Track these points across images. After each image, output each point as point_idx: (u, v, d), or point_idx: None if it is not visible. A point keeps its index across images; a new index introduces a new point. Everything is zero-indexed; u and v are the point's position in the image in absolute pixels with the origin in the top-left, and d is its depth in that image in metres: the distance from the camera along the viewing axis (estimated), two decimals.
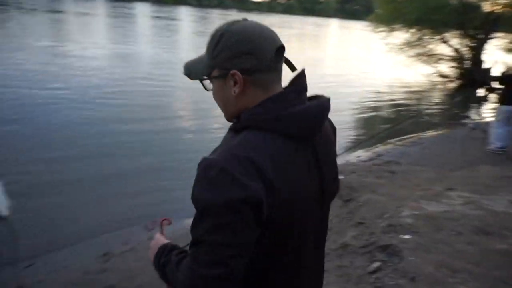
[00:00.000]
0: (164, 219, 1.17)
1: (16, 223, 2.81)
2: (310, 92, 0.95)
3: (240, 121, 0.91)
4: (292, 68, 0.97)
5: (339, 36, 49.22)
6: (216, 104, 0.99)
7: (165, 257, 0.99)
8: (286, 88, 0.94)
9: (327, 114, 0.95)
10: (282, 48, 0.92)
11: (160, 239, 1.09)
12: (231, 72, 0.89)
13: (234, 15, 11.31)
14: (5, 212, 2.54)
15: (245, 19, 0.95)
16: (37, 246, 3.51)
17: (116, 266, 3.31)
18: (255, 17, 1.18)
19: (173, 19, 36.77)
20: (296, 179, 0.88)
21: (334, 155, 1.06)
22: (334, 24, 74.24)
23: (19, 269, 3.10)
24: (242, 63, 0.89)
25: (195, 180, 0.84)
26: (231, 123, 0.95)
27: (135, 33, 23.89)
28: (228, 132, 0.94)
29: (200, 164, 0.84)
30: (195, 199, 0.83)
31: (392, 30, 16.47)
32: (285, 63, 0.97)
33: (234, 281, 0.82)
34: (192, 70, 0.99)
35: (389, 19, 16.22)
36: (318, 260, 1.06)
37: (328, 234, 1.08)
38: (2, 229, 2.77)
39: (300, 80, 0.94)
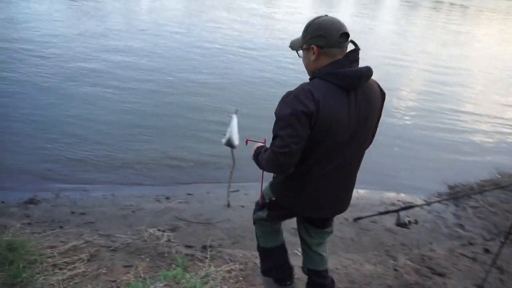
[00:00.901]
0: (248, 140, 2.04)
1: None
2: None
3: (313, 76, 1.64)
4: (356, 46, 1.62)
5: None
6: None
7: (258, 151, 1.82)
8: (342, 57, 1.60)
9: (364, 77, 1.60)
10: (345, 34, 1.58)
11: (257, 144, 1.90)
12: (311, 46, 1.61)
13: None
14: (236, 142, 3.39)
15: (326, 15, 1.64)
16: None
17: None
18: None
19: None
20: (334, 110, 1.55)
21: (375, 112, 1.72)
22: None
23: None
24: (317, 41, 1.59)
25: (279, 102, 1.61)
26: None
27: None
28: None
29: (284, 94, 1.61)
30: (276, 112, 1.60)
31: None
32: (351, 42, 1.63)
33: (292, 157, 1.58)
34: (293, 45, 1.75)
35: None
36: (341, 174, 1.76)
37: None
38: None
39: (353, 53, 1.61)
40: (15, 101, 6.02)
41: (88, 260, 2.71)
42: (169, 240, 3.21)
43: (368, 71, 1.59)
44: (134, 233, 3.25)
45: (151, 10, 15.40)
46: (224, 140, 3.41)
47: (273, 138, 1.62)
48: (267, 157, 1.66)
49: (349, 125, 1.61)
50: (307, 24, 1.65)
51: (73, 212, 3.68)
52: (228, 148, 3.56)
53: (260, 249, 2.31)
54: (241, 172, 4.02)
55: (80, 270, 2.48)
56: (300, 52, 1.72)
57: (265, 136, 1.94)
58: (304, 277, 2.30)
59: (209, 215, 3.82)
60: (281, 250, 2.29)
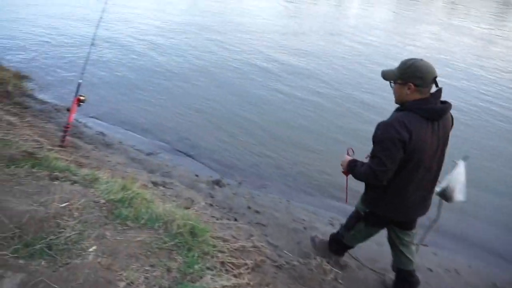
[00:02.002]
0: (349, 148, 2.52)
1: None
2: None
3: (404, 106, 2.10)
4: (437, 85, 2.10)
5: None
6: None
7: (353, 163, 2.31)
8: (430, 95, 2.08)
9: (447, 112, 2.12)
10: (436, 77, 2.05)
11: (347, 158, 2.42)
12: (409, 84, 2.05)
13: None
14: (458, 196, 2.54)
15: (422, 59, 2.07)
16: None
17: None
18: None
19: None
20: (422, 137, 2.03)
21: (447, 135, 2.20)
22: None
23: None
24: (415, 81, 2.03)
25: (376, 129, 2.11)
26: (397, 106, 2.19)
27: None
28: (394, 111, 2.19)
29: (379, 124, 2.11)
30: (375, 136, 2.11)
31: None
32: (435, 83, 2.08)
33: (387, 173, 2.07)
34: (386, 76, 2.17)
35: None
36: (425, 184, 2.23)
37: None
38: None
39: (439, 93, 2.09)
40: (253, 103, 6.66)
41: (252, 269, 2.53)
42: (335, 279, 2.78)
43: (449, 107, 2.11)
44: (302, 256, 2.95)
45: (356, 16, 15.04)
46: (438, 189, 2.67)
47: (372, 157, 2.13)
48: (365, 172, 2.16)
49: (432, 146, 2.09)
50: (406, 63, 2.07)
51: (249, 207, 3.67)
52: (438, 198, 2.80)
53: (341, 242, 2.78)
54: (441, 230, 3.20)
55: (244, 281, 2.30)
56: (392, 84, 2.15)
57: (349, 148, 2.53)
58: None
59: (386, 265, 3.18)
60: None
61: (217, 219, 3.23)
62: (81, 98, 3.92)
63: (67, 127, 3.84)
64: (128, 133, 5.06)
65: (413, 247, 2.57)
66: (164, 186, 3.66)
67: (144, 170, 4.00)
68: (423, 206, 2.33)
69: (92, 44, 4.19)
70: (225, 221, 3.24)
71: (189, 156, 4.66)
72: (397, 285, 2.69)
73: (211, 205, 3.54)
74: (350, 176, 2.42)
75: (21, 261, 1.76)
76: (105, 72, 6.96)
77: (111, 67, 7.26)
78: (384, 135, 2.02)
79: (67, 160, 3.27)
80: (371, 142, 2.16)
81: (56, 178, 2.59)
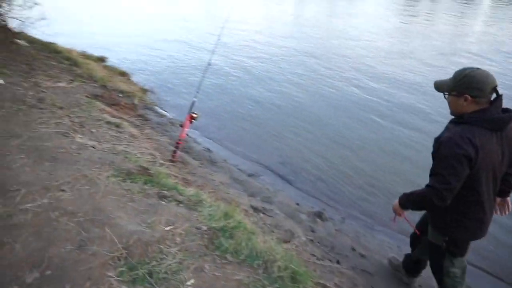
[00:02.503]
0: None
1: None
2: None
3: (463, 118, 1.95)
4: (498, 94, 1.91)
5: None
6: None
7: (404, 196, 2.23)
8: (490, 104, 1.91)
9: (510, 121, 1.91)
10: (496, 86, 1.89)
11: (396, 202, 2.31)
12: (465, 95, 1.92)
13: None
14: None
15: (478, 69, 1.92)
16: None
17: None
18: None
19: None
20: (488, 150, 1.90)
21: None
22: None
23: None
24: (472, 92, 1.90)
25: (436, 145, 1.98)
26: (452, 118, 2.06)
27: None
28: (449, 123, 2.06)
29: (438, 139, 1.98)
30: (436, 153, 1.98)
31: None
32: (495, 91, 1.90)
33: (452, 192, 1.92)
34: (439, 87, 2.06)
35: None
36: (494, 198, 2.11)
37: None
38: None
39: (499, 101, 1.91)
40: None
41: None
42: None
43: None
44: None
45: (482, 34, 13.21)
46: None
47: (433, 175, 2.00)
48: (424, 193, 2.02)
49: (498, 158, 1.97)
50: (461, 74, 1.94)
51: (353, 249, 3.28)
52: None
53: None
54: None
55: None
56: (447, 96, 2.04)
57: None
58: None
59: None
60: None
61: (318, 259, 2.94)
62: (194, 115, 4.06)
63: (179, 143, 4.01)
64: (232, 151, 5.12)
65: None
66: (264, 213, 3.51)
67: (245, 193, 3.94)
68: (489, 223, 2.16)
69: (209, 65, 4.35)
70: (327, 262, 2.93)
71: (291, 182, 4.47)
72: None
73: (311, 240, 3.26)
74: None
75: (123, 287, 1.74)
76: (216, 92, 7.29)
77: (222, 87, 7.60)
78: (447, 151, 1.90)
79: (175, 177, 3.36)
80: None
81: (164, 197, 2.62)
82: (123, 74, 7.85)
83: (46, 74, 5.23)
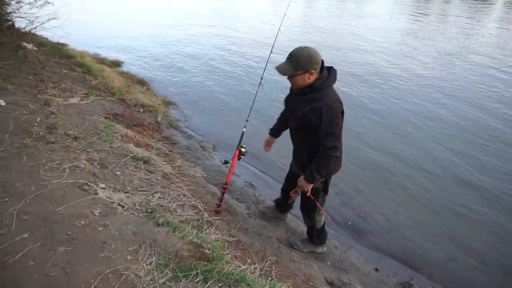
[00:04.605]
0: None
1: None
2: None
3: (314, 87, 2.29)
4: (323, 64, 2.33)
5: None
6: None
7: (308, 176, 2.50)
8: (325, 72, 2.32)
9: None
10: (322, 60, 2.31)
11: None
12: (310, 71, 2.24)
13: None
14: None
15: (306, 47, 2.26)
16: None
17: None
18: None
19: None
20: None
21: None
22: None
23: None
24: (314, 67, 2.24)
25: (326, 113, 2.27)
26: (305, 90, 2.34)
27: None
28: (309, 93, 2.34)
29: (321, 107, 2.26)
30: (324, 118, 2.27)
31: None
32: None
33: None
34: (286, 71, 2.29)
35: None
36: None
37: None
38: None
39: (328, 67, 2.35)
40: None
41: None
42: None
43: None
44: None
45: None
46: None
47: (329, 135, 2.33)
48: (334, 154, 2.39)
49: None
50: (298, 55, 2.24)
51: None
52: None
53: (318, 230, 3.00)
54: None
55: None
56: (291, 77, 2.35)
57: None
58: None
59: None
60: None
61: None
62: (242, 150, 3.18)
63: (225, 189, 3.13)
64: (273, 188, 4.21)
65: None
66: None
67: (311, 256, 3.04)
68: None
69: (260, 85, 3.43)
70: None
71: (359, 239, 3.54)
72: None
73: None
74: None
75: None
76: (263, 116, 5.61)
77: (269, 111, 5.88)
78: (332, 113, 2.30)
79: (229, 243, 2.49)
80: None
81: None
82: (141, 82, 6.99)
83: (56, 87, 4.36)
